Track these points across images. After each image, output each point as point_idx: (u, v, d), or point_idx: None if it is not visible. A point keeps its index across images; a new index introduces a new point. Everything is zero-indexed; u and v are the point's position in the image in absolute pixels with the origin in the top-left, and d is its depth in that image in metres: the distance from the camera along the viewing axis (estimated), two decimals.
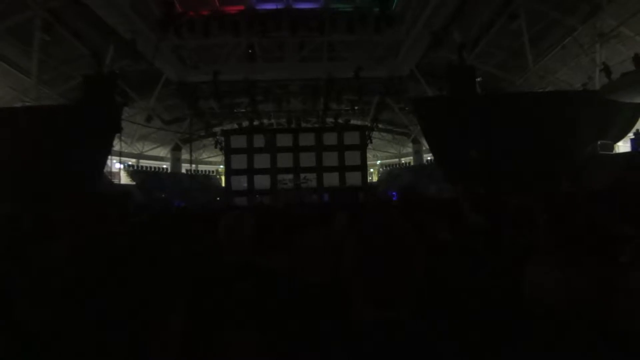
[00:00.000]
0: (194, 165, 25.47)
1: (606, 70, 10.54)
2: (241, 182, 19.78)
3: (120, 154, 17.25)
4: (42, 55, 12.05)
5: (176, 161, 25.67)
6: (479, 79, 12.24)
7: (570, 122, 9.58)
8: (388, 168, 27.74)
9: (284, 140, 19.99)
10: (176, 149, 25.47)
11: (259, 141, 19.97)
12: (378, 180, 26.18)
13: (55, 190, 8.78)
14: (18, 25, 11.15)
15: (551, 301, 1.01)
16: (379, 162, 29.47)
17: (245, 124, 20.82)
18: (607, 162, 9.62)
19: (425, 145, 22.31)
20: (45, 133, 9.76)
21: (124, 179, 21.59)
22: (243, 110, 20.15)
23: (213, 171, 27.78)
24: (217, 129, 21.76)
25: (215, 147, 21.83)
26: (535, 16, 11.70)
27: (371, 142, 20.62)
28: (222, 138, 20.59)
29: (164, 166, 25.50)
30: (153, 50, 12.80)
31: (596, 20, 11.06)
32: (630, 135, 11.11)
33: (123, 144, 17.98)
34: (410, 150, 26.75)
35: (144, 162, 24.16)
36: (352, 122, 21.20)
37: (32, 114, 10.96)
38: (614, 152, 10.92)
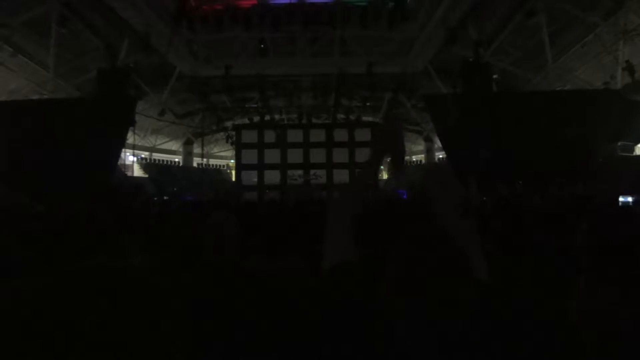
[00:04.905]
0: (205, 159, 25.67)
1: (629, 68, 10.18)
2: (251, 177, 19.85)
3: (133, 147, 17.45)
4: (59, 48, 12.23)
5: (188, 155, 25.93)
6: (495, 76, 11.97)
7: (589, 122, 9.30)
8: None
9: (295, 135, 19.92)
10: (188, 143, 25.71)
11: (269, 136, 19.97)
12: (388, 178, 25.95)
13: (71, 182, 8.95)
14: (35, 18, 11.32)
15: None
16: (389, 159, 29.20)
17: (256, 119, 20.83)
18: (627, 164, 9.31)
19: (437, 143, 21.99)
20: (61, 125, 9.96)
21: (137, 172, 21.90)
22: (254, 105, 20.17)
23: (224, 165, 27.96)
24: (229, 124, 21.84)
25: (227, 142, 21.92)
26: (555, 13, 11.32)
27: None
28: (233, 132, 20.66)
29: (176, 160, 25.78)
30: (166, 44, 12.88)
31: (619, 17, 10.65)
32: None
33: (136, 137, 18.19)
34: (422, 147, 26.41)
35: (157, 155, 24.44)
36: (364, 118, 21.00)
37: (48, 106, 11.20)
38: (634, 154, 10.58)
